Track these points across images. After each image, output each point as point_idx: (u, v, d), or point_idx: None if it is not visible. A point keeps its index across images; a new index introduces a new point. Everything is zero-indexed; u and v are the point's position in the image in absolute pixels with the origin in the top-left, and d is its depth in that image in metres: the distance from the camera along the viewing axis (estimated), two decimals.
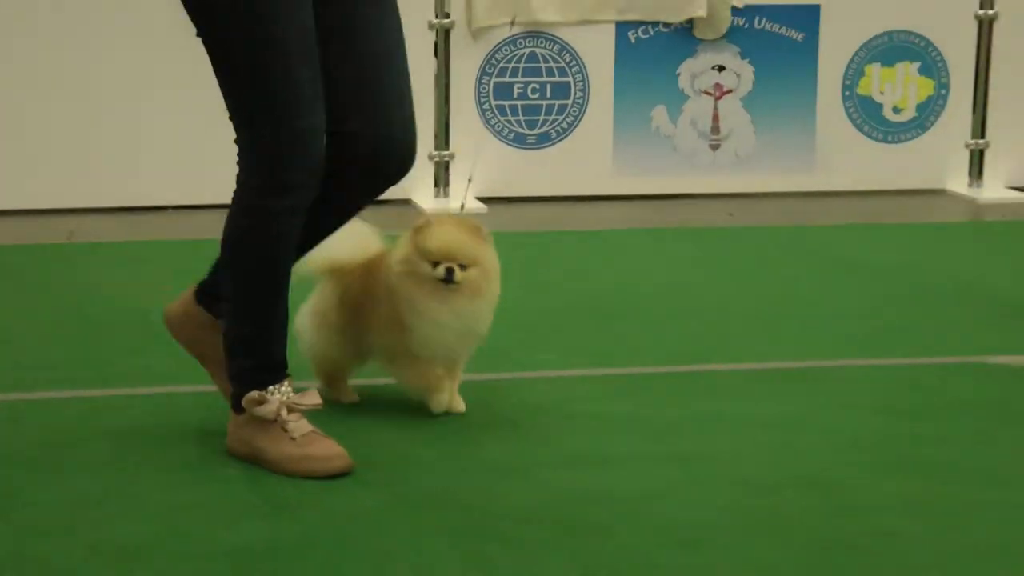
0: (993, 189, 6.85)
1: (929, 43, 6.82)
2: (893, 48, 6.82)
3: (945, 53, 6.83)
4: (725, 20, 6.62)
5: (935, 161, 6.89)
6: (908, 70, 6.84)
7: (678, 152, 6.69)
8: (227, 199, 3.32)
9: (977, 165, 6.90)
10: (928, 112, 6.87)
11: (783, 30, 6.72)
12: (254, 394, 3.32)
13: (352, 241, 3.64)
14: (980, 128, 6.91)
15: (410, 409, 3.69)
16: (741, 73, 6.70)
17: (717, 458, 3.41)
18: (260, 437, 3.33)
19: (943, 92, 6.86)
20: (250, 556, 2.90)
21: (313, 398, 3.37)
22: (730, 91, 6.71)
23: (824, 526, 3.04)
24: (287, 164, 3.21)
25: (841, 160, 6.80)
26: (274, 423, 3.31)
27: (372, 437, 3.54)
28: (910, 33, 6.81)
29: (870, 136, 6.85)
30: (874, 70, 6.82)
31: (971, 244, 6.00)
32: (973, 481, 3.30)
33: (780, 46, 6.70)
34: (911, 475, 3.33)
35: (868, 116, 6.84)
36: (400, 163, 3.39)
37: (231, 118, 3.25)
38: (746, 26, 6.68)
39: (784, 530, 3.02)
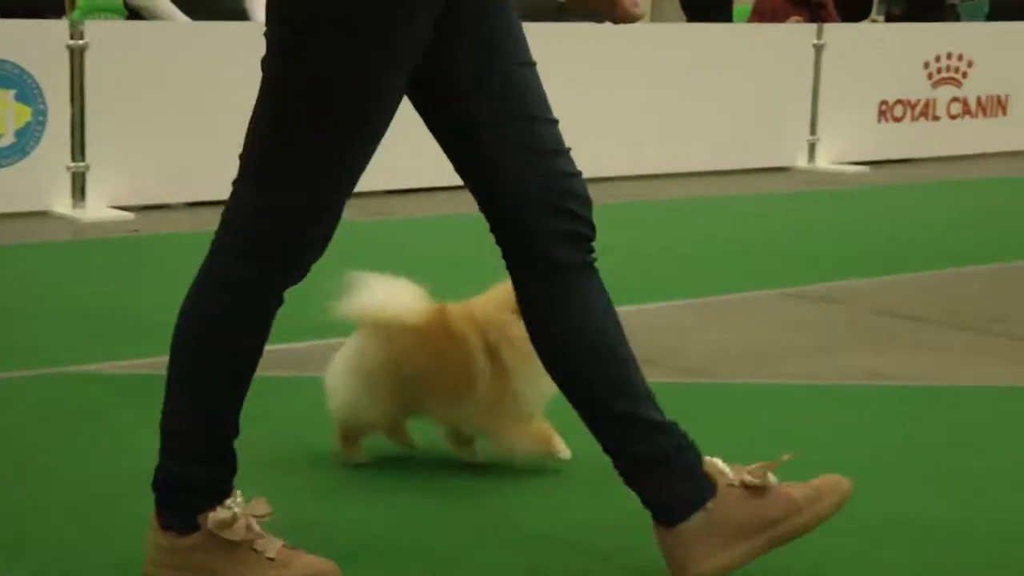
0: (96, 209, 7.15)
1: (24, 72, 7.04)
2: None
3: (41, 82, 7.07)
4: None
5: (38, 184, 7.11)
6: (5, 97, 7.01)
7: None
8: None
9: (80, 187, 7.19)
10: (28, 137, 7.09)
11: None
12: (224, 513, 2.73)
13: (402, 296, 3.37)
14: (80, 151, 7.19)
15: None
16: None
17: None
18: (225, 564, 2.73)
19: (41, 118, 7.10)
20: None
21: (264, 506, 2.80)
22: None
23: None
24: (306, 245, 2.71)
25: None
26: (240, 544, 2.74)
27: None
28: (5, 62, 7.00)
29: None
30: None
31: (77, 261, 6.24)
32: None
33: None
34: None
35: None
36: None
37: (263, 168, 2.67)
38: None
39: None
